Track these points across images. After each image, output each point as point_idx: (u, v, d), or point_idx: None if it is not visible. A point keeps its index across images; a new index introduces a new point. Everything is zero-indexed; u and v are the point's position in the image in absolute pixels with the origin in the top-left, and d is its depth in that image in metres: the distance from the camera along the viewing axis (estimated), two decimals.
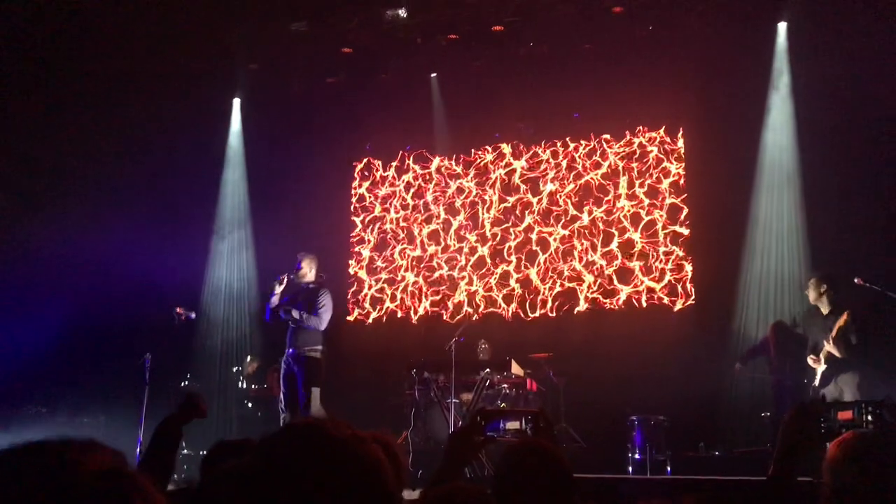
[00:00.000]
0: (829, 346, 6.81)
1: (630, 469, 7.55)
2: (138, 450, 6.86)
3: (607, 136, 10.52)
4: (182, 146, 10.60)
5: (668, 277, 9.82)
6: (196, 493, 1.84)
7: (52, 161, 10.17)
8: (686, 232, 9.85)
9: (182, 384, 9.47)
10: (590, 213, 10.35)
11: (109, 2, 9.02)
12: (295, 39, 10.21)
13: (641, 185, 10.20)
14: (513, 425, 2.36)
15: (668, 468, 7.45)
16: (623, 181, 10.29)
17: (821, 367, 6.96)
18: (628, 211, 10.17)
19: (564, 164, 10.67)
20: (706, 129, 9.76)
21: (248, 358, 10.30)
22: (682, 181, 10.03)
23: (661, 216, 10.00)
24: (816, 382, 7.02)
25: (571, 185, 10.55)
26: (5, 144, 9.72)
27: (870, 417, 4.47)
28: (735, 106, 9.55)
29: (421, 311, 10.95)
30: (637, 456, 7.56)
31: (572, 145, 10.68)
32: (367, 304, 11.22)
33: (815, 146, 8.93)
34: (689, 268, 9.75)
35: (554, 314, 10.22)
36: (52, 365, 9.29)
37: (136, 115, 10.11)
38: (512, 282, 10.57)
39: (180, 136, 10.53)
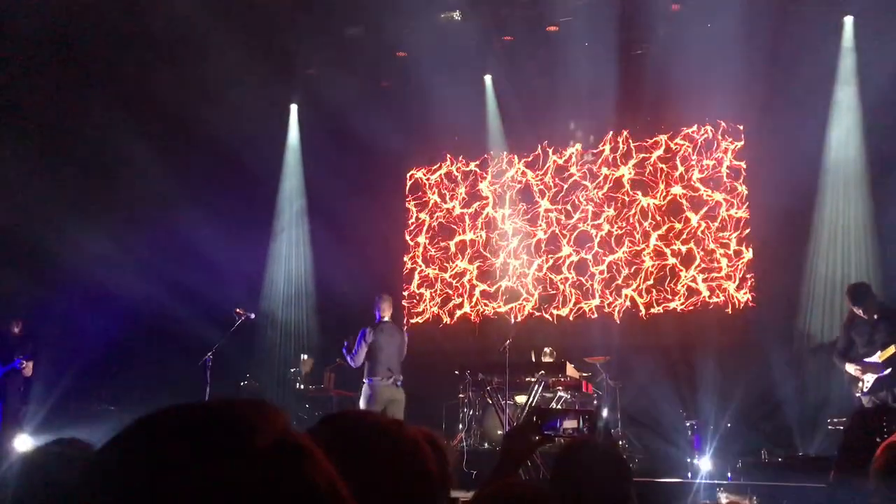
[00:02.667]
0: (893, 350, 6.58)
1: (689, 474, 7.40)
2: None
3: (661, 136, 10.35)
4: (242, 149, 10.83)
5: (729, 279, 9.61)
6: None
7: (119, 160, 10.49)
8: (748, 232, 9.63)
9: (242, 384, 9.67)
10: (651, 214, 10.19)
11: (176, 10, 9.27)
12: (350, 44, 10.33)
13: (702, 184, 10.01)
14: (570, 424, 2.33)
15: (729, 474, 7.28)
16: (683, 179, 10.12)
17: (873, 375, 6.74)
18: (689, 209, 9.99)
19: (624, 161, 10.54)
20: (770, 127, 9.51)
21: (304, 356, 10.43)
22: (743, 179, 9.81)
23: (723, 215, 9.80)
24: (866, 388, 6.79)
25: (628, 186, 10.42)
26: (75, 142, 10.07)
27: None
28: (800, 102, 9.27)
29: (474, 316, 10.95)
30: (696, 461, 7.42)
31: (631, 148, 10.54)
32: (422, 307, 11.28)
33: (884, 142, 8.63)
34: (752, 269, 9.52)
35: (617, 317, 10.11)
36: (118, 363, 9.60)
37: (200, 118, 10.37)
38: (569, 286, 10.49)
39: (240, 140, 10.76)
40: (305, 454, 0.72)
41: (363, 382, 7.75)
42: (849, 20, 9.16)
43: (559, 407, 8.08)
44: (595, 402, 8.46)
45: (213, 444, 0.64)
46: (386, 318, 7.89)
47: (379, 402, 7.47)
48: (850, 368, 6.88)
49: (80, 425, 8.25)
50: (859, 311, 6.88)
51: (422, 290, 11.33)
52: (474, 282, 11.04)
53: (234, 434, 0.66)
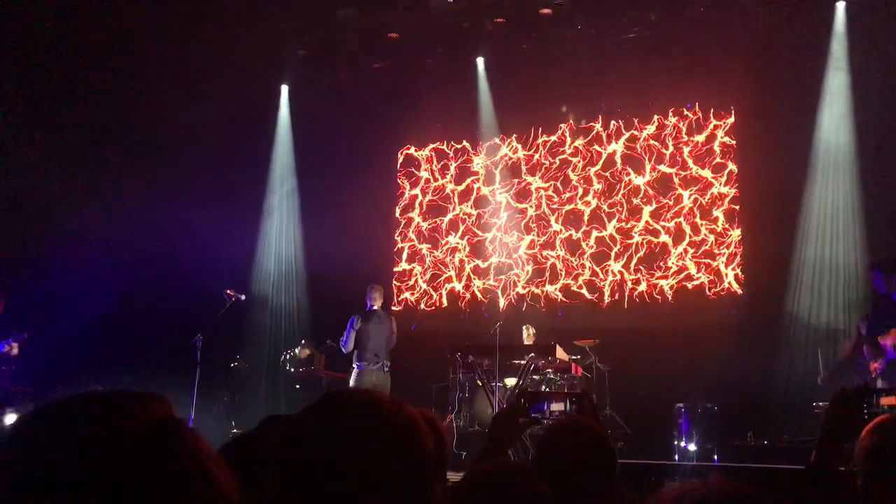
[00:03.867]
0: None
1: (676, 457, 7.48)
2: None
3: (650, 119, 10.35)
4: (232, 131, 10.77)
5: (718, 263, 9.66)
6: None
7: (105, 143, 10.42)
8: (737, 216, 9.67)
9: (232, 365, 9.67)
10: (641, 191, 10.21)
11: None
12: (342, 25, 10.26)
13: (691, 169, 10.03)
14: (557, 407, 2.36)
15: (716, 456, 7.37)
16: (673, 158, 10.13)
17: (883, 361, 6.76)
18: (677, 200, 10.01)
19: (615, 139, 10.55)
20: (760, 111, 9.52)
21: (303, 342, 10.42)
22: (733, 164, 9.83)
23: (712, 200, 9.83)
24: (881, 367, 6.81)
25: (618, 177, 10.43)
26: (64, 117, 9.98)
27: None
28: (790, 87, 9.30)
29: (468, 296, 10.98)
30: (683, 443, 7.50)
31: (621, 131, 10.54)
32: (412, 289, 11.29)
33: (874, 129, 8.66)
34: (740, 253, 9.57)
35: (604, 299, 10.15)
36: (107, 344, 9.57)
37: (187, 100, 10.29)
38: (560, 262, 10.52)
39: (231, 121, 10.69)
40: (176, 437, 0.83)
41: (352, 367, 8.22)
42: (840, 5, 9.16)
43: (547, 389, 8.14)
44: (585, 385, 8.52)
45: (85, 430, 0.78)
46: (375, 307, 8.30)
47: (365, 385, 7.79)
48: (865, 349, 6.86)
49: None
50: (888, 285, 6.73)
51: (413, 265, 11.33)
52: (464, 258, 11.05)
53: (105, 421, 0.80)
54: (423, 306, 11.17)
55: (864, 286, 7.29)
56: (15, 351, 8.15)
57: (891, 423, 1.87)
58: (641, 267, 10.01)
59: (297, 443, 1.06)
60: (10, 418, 7.80)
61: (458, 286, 11.01)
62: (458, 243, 11.13)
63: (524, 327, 9.15)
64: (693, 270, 9.74)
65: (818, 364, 7.98)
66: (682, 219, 9.93)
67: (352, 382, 8.08)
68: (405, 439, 1.08)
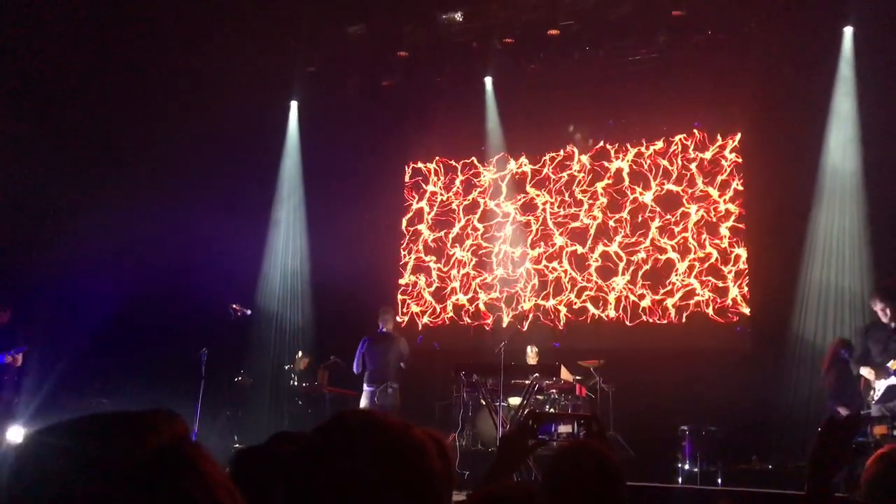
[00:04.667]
0: None
1: (679, 479, 7.44)
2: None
3: (656, 141, 10.39)
4: (241, 145, 10.84)
5: (725, 284, 9.65)
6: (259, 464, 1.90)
7: (113, 154, 10.47)
8: (743, 236, 9.67)
9: (236, 379, 9.67)
10: (643, 223, 10.23)
11: (176, 11, 9.29)
12: (352, 42, 10.34)
13: (697, 196, 10.04)
14: (565, 429, 2.36)
15: (719, 479, 7.32)
16: (680, 179, 10.16)
17: (884, 382, 6.74)
18: (683, 221, 10.03)
19: (620, 170, 10.58)
20: (767, 135, 9.55)
21: (300, 353, 10.44)
22: (736, 187, 9.85)
23: (717, 219, 9.84)
24: (876, 396, 6.79)
25: (624, 195, 10.45)
26: (73, 128, 10.05)
27: None
28: (798, 111, 9.34)
29: (471, 309, 10.97)
30: (687, 466, 7.46)
31: (628, 152, 10.58)
32: (418, 300, 11.29)
33: (881, 154, 8.67)
34: (745, 278, 9.56)
35: (609, 315, 10.14)
36: (113, 356, 9.58)
37: (198, 114, 10.37)
38: (569, 294, 10.52)
39: (240, 135, 10.77)
40: (184, 465, 0.79)
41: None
42: (848, 31, 9.19)
43: (552, 410, 8.12)
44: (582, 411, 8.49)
45: (90, 459, 0.75)
46: (385, 329, 8.53)
47: (368, 407, 8.00)
48: (865, 371, 6.84)
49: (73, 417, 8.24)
50: (886, 312, 6.80)
51: (419, 278, 11.34)
52: (470, 272, 11.07)
53: (113, 445, 0.77)
54: (426, 319, 11.16)
55: (871, 311, 7.27)
56: (18, 362, 8.15)
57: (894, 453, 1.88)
58: (646, 283, 10.02)
59: (306, 464, 1.07)
60: (15, 430, 7.80)
61: (464, 298, 11.02)
62: (463, 256, 11.16)
63: (528, 348, 9.13)
64: (698, 288, 9.73)
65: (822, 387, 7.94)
66: (688, 233, 9.95)
67: (361, 403, 8.37)
68: (414, 462, 1.09)
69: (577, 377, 8.63)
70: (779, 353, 8.92)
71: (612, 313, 10.14)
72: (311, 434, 1.12)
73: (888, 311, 6.74)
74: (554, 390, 8.14)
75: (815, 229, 9.18)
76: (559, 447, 2.10)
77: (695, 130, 10.21)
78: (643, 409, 8.61)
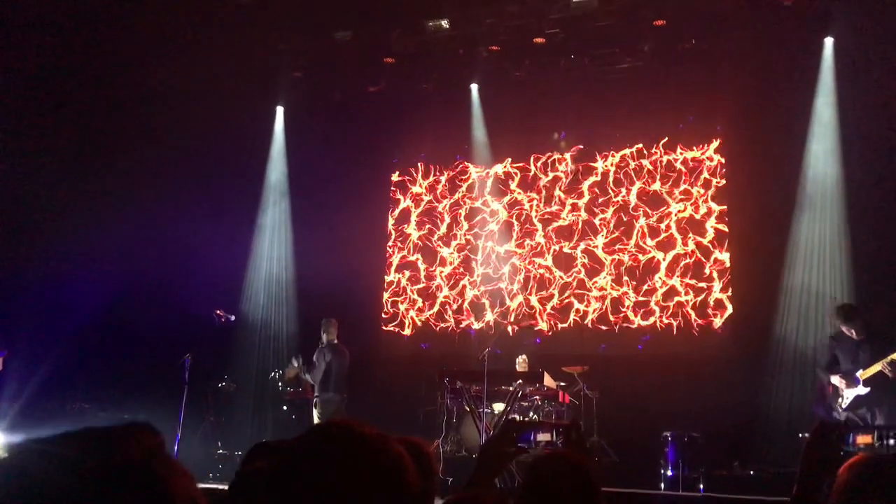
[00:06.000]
0: (877, 368, 6.66)
1: (662, 485, 7.48)
2: (176, 448, 7.01)
3: (640, 147, 10.49)
4: (227, 150, 10.82)
5: (705, 292, 9.73)
6: (232, 490, 1.92)
7: (97, 159, 10.42)
8: (725, 247, 9.76)
9: (219, 385, 9.63)
10: (626, 226, 10.32)
11: (163, 15, 9.28)
12: (338, 48, 10.35)
13: (680, 200, 10.14)
14: (544, 437, 2.38)
15: (701, 485, 7.36)
16: (662, 194, 10.25)
17: (853, 391, 6.85)
18: (666, 224, 10.12)
19: (606, 174, 10.66)
20: (748, 143, 9.67)
21: (295, 363, 10.38)
22: (718, 193, 9.96)
23: (699, 227, 9.94)
24: (844, 405, 6.89)
25: (608, 197, 10.53)
26: (48, 140, 9.99)
27: (892, 442, 4.26)
28: (778, 120, 9.45)
29: (455, 305, 11.01)
30: (670, 472, 7.50)
31: (611, 157, 10.67)
32: (401, 313, 11.30)
33: (861, 163, 8.79)
34: (727, 283, 9.64)
35: (592, 315, 10.20)
36: (95, 361, 9.52)
37: (184, 119, 10.34)
38: (553, 290, 10.57)
39: (226, 140, 10.75)
40: (152, 482, 0.83)
41: None
42: (829, 41, 9.32)
43: (533, 416, 8.14)
44: (566, 418, 8.52)
45: (62, 472, 0.80)
46: (324, 342, 8.65)
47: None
48: (835, 380, 6.97)
49: (54, 423, 8.20)
50: (850, 331, 6.96)
51: (405, 284, 11.37)
52: (456, 271, 11.12)
53: (85, 462, 0.81)
54: (409, 325, 11.17)
55: (832, 324, 7.44)
56: None
57: (865, 462, 1.90)
58: (630, 281, 10.10)
59: (283, 478, 1.09)
60: None
61: (449, 293, 11.06)
62: (449, 256, 11.20)
63: (518, 357, 9.14)
64: (678, 286, 9.82)
65: (805, 392, 8.04)
66: (671, 235, 10.04)
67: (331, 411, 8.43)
68: (391, 475, 1.10)
69: (562, 383, 8.67)
70: (761, 359, 9.00)
71: (595, 305, 10.20)
72: (287, 448, 1.14)
73: (853, 331, 6.90)
74: (537, 397, 8.16)
75: (797, 236, 9.29)
76: (535, 457, 2.12)
77: (678, 146, 10.30)
78: (627, 414, 8.65)
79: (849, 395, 6.88)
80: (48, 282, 9.41)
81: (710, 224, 9.92)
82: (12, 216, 9.58)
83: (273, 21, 9.73)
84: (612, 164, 10.63)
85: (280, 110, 11.82)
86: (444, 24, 10.02)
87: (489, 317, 10.70)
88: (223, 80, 10.26)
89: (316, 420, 8.33)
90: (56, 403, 9.09)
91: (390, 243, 11.63)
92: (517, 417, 7.92)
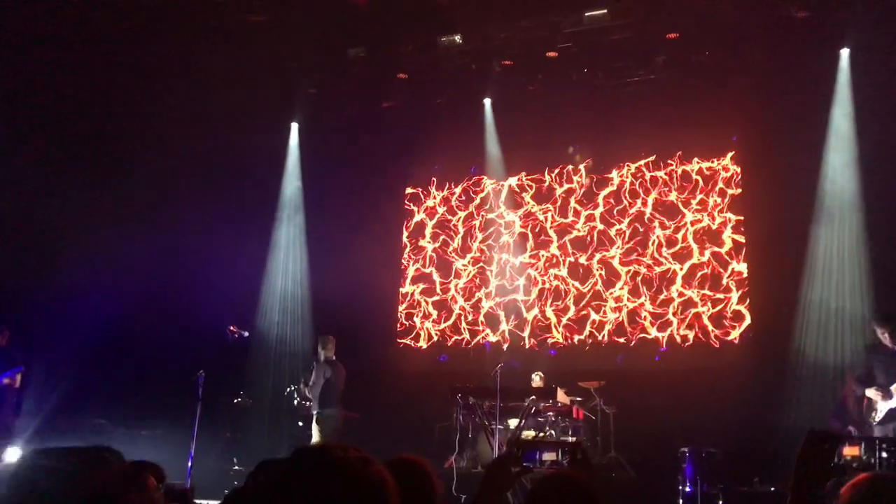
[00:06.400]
0: None
1: (680, 502, 7.38)
2: (189, 463, 7.02)
3: (655, 158, 10.45)
4: (242, 167, 10.90)
5: (722, 303, 9.64)
6: None
7: (114, 173, 10.52)
8: (743, 262, 9.68)
9: (235, 401, 9.65)
10: (642, 237, 10.28)
11: (180, 33, 9.39)
12: (352, 65, 10.42)
13: (696, 210, 10.09)
14: (549, 456, 2.36)
15: (720, 502, 7.25)
16: (678, 205, 10.20)
17: (888, 404, 6.72)
18: (683, 235, 10.06)
19: (621, 185, 10.63)
20: (764, 154, 9.60)
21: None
22: (735, 205, 9.89)
23: (716, 239, 9.87)
24: (878, 417, 6.77)
25: (623, 208, 10.50)
26: (64, 156, 10.11)
27: (884, 455, 4.14)
28: (795, 131, 9.37)
29: (469, 333, 10.98)
30: (688, 489, 7.39)
31: (626, 168, 10.65)
32: (416, 326, 11.30)
33: (879, 174, 8.68)
34: (744, 294, 9.55)
35: (608, 327, 10.15)
36: (111, 377, 9.58)
37: (199, 135, 10.43)
38: (569, 301, 10.53)
39: (241, 157, 10.83)
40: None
41: None
42: (845, 53, 9.24)
43: (548, 432, 8.07)
44: (580, 433, 8.45)
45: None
46: (322, 359, 8.59)
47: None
48: (871, 393, 6.85)
49: (72, 438, 8.25)
50: (884, 335, 6.83)
51: (419, 290, 11.37)
52: (470, 285, 11.12)
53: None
54: (424, 338, 11.15)
55: (871, 331, 7.27)
56: (17, 383, 8.17)
57: (870, 481, 1.87)
58: (646, 292, 10.04)
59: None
60: (13, 451, 7.79)
61: (466, 307, 11.06)
62: (464, 268, 11.21)
63: (534, 374, 9.08)
64: (697, 301, 9.75)
65: (825, 406, 7.91)
66: (687, 247, 9.99)
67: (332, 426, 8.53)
68: (373, 499, 1.09)
69: (578, 398, 8.60)
70: (780, 374, 8.88)
71: (611, 317, 10.14)
72: (272, 474, 1.13)
73: (887, 336, 6.78)
74: (551, 413, 8.10)
75: (815, 248, 9.18)
76: (539, 477, 2.09)
77: (694, 158, 10.26)
78: (644, 430, 8.56)
79: (882, 408, 6.76)
80: (65, 299, 9.49)
81: (727, 235, 9.86)
82: (30, 234, 9.69)
83: (287, 39, 9.81)
84: (627, 175, 10.62)
85: (295, 127, 11.90)
86: (457, 39, 10.05)
87: (504, 327, 10.69)
88: (239, 98, 10.35)
89: (315, 435, 8.32)
90: (74, 420, 9.15)
91: (405, 256, 11.67)
92: (532, 434, 7.86)
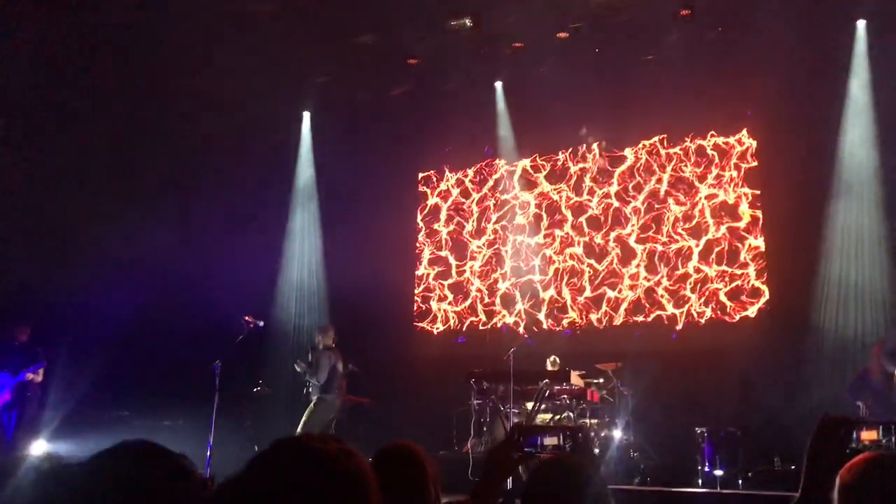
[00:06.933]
0: None
1: (700, 482, 7.35)
2: (208, 453, 7.10)
3: (669, 135, 10.35)
4: (255, 157, 10.94)
5: (740, 283, 9.55)
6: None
7: (130, 167, 10.60)
8: (760, 237, 9.57)
9: (254, 390, 9.73)
10: (658, 213, 10.20)
11: (193, 26, 9.40)
12: (361, 52, 10.38)
13: (712, 185, 9.99)
14: (550, 441, 2.35)
15: (740, 481, 7.22)
16: (693, 180, 10.11)
17: None
18: (700, 210, 9.99)
19: (635, 163, 10.55)
20: (781, 130, 9.45)
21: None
22: (751, 180, 9.78)
23: (733, 214, 9.78)
24: None
25: (638, 183, 10.44)
26: (81, 150, 10.19)
27: None
28: (811, 105, 9.21)
29: (485, 314, 11.00)
30: (707, 469, 7.36)
31: (640, 147, 10.56)
32: (433, 309, 11.33)
33: None
34: (762, 269, 9.46)
35: (622, 315, 10.10)
36: (130, 369, 9.69)
37: (212, 127, 10.47)
38: (584, 280, 10.49)
39: (254, 146, 10.87)
40: None
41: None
42: (861, 24, 9.05)
43: (565, 415, 8.06)
44: (599, 416, 8.43)
45: None
46: (321, 346, 8.69)
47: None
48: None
49: (96, 431, 8.38)
50: None
51: (434, 273, 11.44)
52: (485, 267, 11.14)
53: None
54: (440, 319, 11.18)
55: (892, 306, 7.18)
56: (39, 378, 8.29)
57: (868, 462, 1.83)
58: (663, 267, 9.99)
59: (245, 496, 1.07)
60: (39, 444, 7.93)
61: (482, 289, 11.08)
62: (479, 250, 11.20)
63: (549, 359, 9.06)
64: (712, 276, 9.68)
65: (846, 384, 7.82)
66: (703, 223, 9.92)
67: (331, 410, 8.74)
68: (350, 493, 1.08)
69: (598, 380, 8.57)
70: (799, 350, 8.77)
71: (627, 294, 10.10)
72: (247, 466, 1.12)
73: None
74: (565, 395, 8.07)
75: (834, 223, 9.04)
76: (539, 462, 2.08)
77: (709, 133, 10.15)
78: (662, 410, 8.52)
79: None
80: (83, 292, 9.60)
81: (743, 209, 9.75)
82: (47, 229, 9.80)
83: (296, 28, 9.78)
84: (641, 153, 10.56)
85: (307, 115, 11.91)
86: (467, 22, 9.97)
87: (520, 306, 10.71)
88: (250, 88, 10.36)
89: (306, 416, 8.45)
90: (96, 412, 9.28)
91: (419, 240, 11.70)
92: (547, 417, 7.86)
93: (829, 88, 9.10)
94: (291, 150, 11.81)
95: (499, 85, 10.94)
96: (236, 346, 7.80)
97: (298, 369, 8.55)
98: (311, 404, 8.50)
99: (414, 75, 10.75)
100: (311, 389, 8.59)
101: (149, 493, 0.96)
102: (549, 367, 8.77)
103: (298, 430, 8.12)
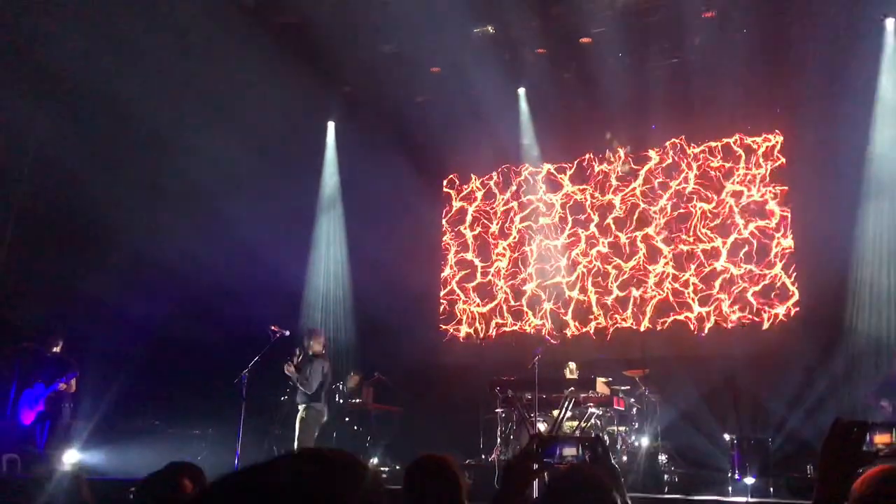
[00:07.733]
0: None
1: (730, 490, 7.23)
2: (236, 462, 7.16)
3: (695, 136, 10.26)
4: (282, 166, 11.01)
5: (768, 278, 9.42)
6: None
7: (159, 177, 10.74)
8: (788, 232, 9.46)
9: (282, 399, 9.79)
10: (685, 213, 10.13)
11: (223, 38, 9.54)
12: (385, 61, 10.43)
13: (739, 184, 9.90)
14: (569, 451, 2.33)
15: (771, 489, 7.08)
16: (720, 180, 10.03)
17: None
18: (729, 211, 9.90)
19: (661, 162, 10.48)
20: (810, 129, 9.32)
21: (352, 373, 10.50)
22: (780, 179, 9.67)
23: (761, 213, 9.68)
24: None
25: (665, 182, 10.39)
26: (111, 159, 10.33)
27: None
28: (842, 106, 9.06)
29: (510, 317, 10.97)
30: (737, 477, 7.24)
31: (666, 148, 10.49)
32: (458, 312, 11.35)
33: None
34: (792, 268, 9.33)
35: (650, 308, 10.03)
36: (160, 378, 9.79)
37: (239, 137, 10.57)
38: (611, 281, 10.43)
39: (280, 157, 10.95)
40: None
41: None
42: (890, 22, 8.91)
43: (593, 422, 8.00)
44: (628, 423, 8.35)
45: None
46: (311, 353, 8.42)
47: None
48: None
49: (127, 440, 8.49)
50: None
51: (459, 276, 11.50)
52: (511, 269, 11.14)
53: None
54: (466, 322, 11.17)
55: None
56: (72, 388, 8.42)
57: (882, 474, 1.78)
58: (691, 266, 9.91)
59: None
60: (72, 453, 8.03)
61: (508, 291, 11.09)
62: (505, 253, 11.19)
63: (567, 365, 9.00)
64: (737, 274, 9.58)
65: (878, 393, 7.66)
66: (732, 218, 9.84)
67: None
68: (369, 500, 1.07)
69: (626, 387, 8.49)
70: (831, 353, 8.62)
71: (653, 293, 10.02)
72: (255, 473, 1.11)
73: None
74: (591, 403, 7.99)
75: (864, 223, 8.89)
76: (556, 473, 2.07)
77: (736, 133, 10.06)
78: (691, 417, 8.43)
79: None
80: (115, 303, 9.72)
81: (771, 207, 9.64)
82: (79, 242, 9.95)
83: (320, 38, 9.87)
84: (667, 154, 10.49)
85: (331, 125, 12.00)
86: (490, 29, 9.99)
87: (547, 306, 10.68)
88: (276, 99, 10.46)
89: (298, 427, 8.24)
90: (127, 422, 9.40)
91: (444, 244, 11.73)
92: (574, 424, 7.80)
93: (858, 87, 8.96)
94: (317, 159, 11.89)
95: (522, 91, 10.93)
96: (265, 355, 7.84)
97: (288, 373, 8.35)
98: (301, 415, 8.25)
99: (437, 82, 10.77)
100: (297, 398, 8.34)
101: None
102: (568, 375, 8.71)
103: (295, 445, 7.97)
